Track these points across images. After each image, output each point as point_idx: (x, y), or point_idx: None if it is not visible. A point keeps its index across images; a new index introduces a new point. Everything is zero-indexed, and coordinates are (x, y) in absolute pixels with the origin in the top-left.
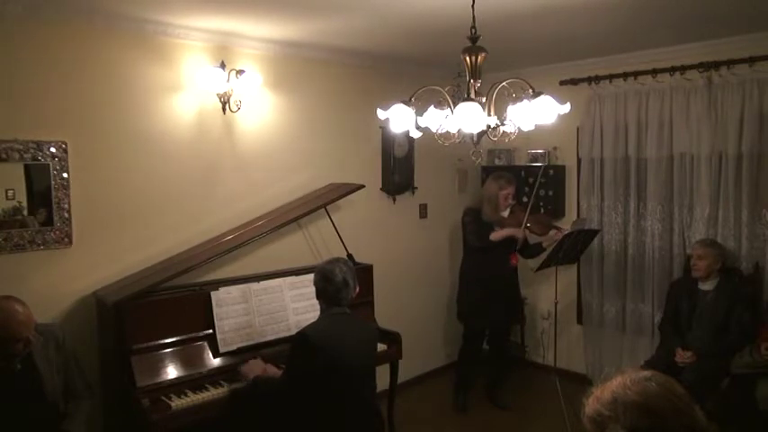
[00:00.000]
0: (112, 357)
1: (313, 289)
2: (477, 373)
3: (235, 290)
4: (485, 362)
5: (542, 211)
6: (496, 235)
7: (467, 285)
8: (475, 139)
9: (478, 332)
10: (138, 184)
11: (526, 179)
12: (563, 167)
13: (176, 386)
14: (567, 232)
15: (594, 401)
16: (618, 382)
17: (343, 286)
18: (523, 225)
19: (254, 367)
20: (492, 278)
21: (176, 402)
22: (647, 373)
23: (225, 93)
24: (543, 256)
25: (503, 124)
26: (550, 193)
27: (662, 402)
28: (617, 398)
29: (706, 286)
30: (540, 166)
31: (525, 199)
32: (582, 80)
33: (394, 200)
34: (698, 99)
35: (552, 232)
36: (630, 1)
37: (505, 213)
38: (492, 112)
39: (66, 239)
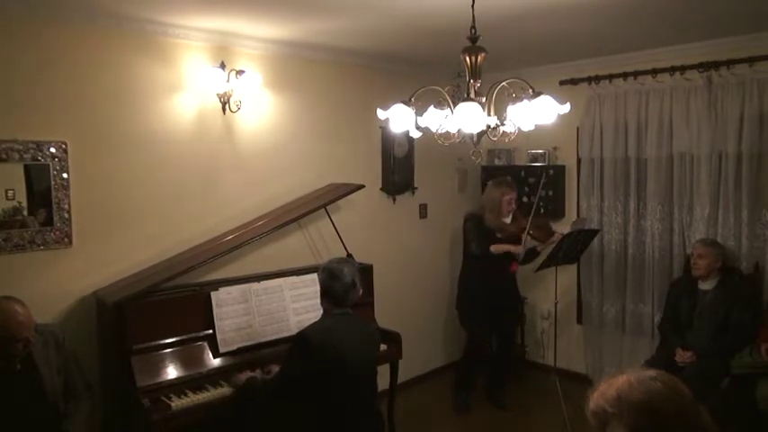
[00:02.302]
0: (112, 357)
1: (314, 289)
2: (477, 372)
3: (235, 290)
4: (486, 362)
5: (542, 211)
6: (497, 248)
7: (467, 292)
8: (475, 139)
9: (485, 337)
10: (138, 184)
11: (526, 179)
12: (563, 167)
13: (176, 386)
14: (566, 233)
15: (599, 397)
16: (623, 380)
17: (351, 287)
18: (526, 231)
19: (246, 374)
20: (492, 285)
21: (176, 402)
22: (652, 372)
23: (225, 93)
24: (542, 256)
25: (503, 124)
26: (550, 193)
27: (666, 403)
28: (621, 396)
29: (706, 286)
30: (541, 167)
31: (525, 199)
32: (582, 80)
33: (394, 200)
34: (698, 99)
35: (555, 236)
36: (630, 1)
37: (508, 219)
38: (492, 112)
39: (66, 239)
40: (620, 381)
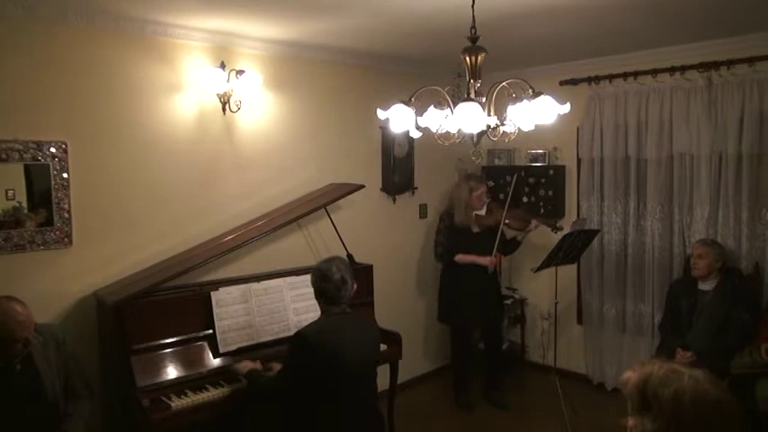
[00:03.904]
0: (112, 357)
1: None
2: (471, 370)
3: (235, 290)
4: (481, 362)
5: (542, 211)
6: (461, 259)
7: (448, 286)
8: (475, 139)
9: (466, 330)
10: (138, 185)
11: (526, 179)
12: (563, 167)
13: (176, 386)
14: (566, 233)
15: (652, 383)
16: (690, 389)
17: (342, 284)
18: (502, 222)
19: (247, 364)
20: (472, 280)
21: (176, 402)
22: (724, 394)
23: (225, 93)
24: (524, 245)
25: (503, 124)
26: (550, 193)
27: (720, 428)
28: (680, 408)
29: (706, 286)
30: (513, 171)
31: (526, 199)
32: (582, 80)
33: (394, 200)
34: (698, 99)
35: (532, 224)
36: (630, 1)
37: (482, 211)
38: (492, 112)
39: (66, 239)
40: (684, 386)
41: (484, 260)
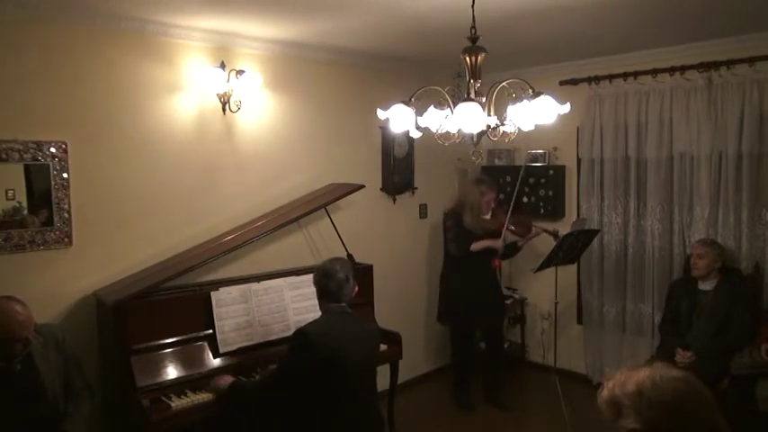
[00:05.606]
0: (112, 357)
1: (313, 289)
2: (472, 371)
3: (235, 290)
4: (482, 362)
5: (542, 211)
6: (476, 246)
7: (449, 289)
8: (475, 139)
9: (468, 331)
10: (138, 185)
11: (526, 179)
12: (563, 167)
13: (176, 386)
14: (566, 233)
15: (616, 388)
16: (645, 376)
17: (344, 282)
18: (505, 227)
19: (227, 379)
20: (474, 281)
21: (176, 402)
22: (678, 372)
23: (225, 93)
24: (525, 249)
25: (503, 124)
26: (550, 193)
27: (687, 406)
28: (643, 392)
29: (706, 286)
30: (521, 167)
31: (526, 199)
32: (582, 80)
33: (394, 200)
34: (698, 99)
35: (534, 231)
36: (630, 1)
37: (487, 216)
38: (492, 112)
39: (66, 239)
40: (641, 376)
41: (496, 243)
